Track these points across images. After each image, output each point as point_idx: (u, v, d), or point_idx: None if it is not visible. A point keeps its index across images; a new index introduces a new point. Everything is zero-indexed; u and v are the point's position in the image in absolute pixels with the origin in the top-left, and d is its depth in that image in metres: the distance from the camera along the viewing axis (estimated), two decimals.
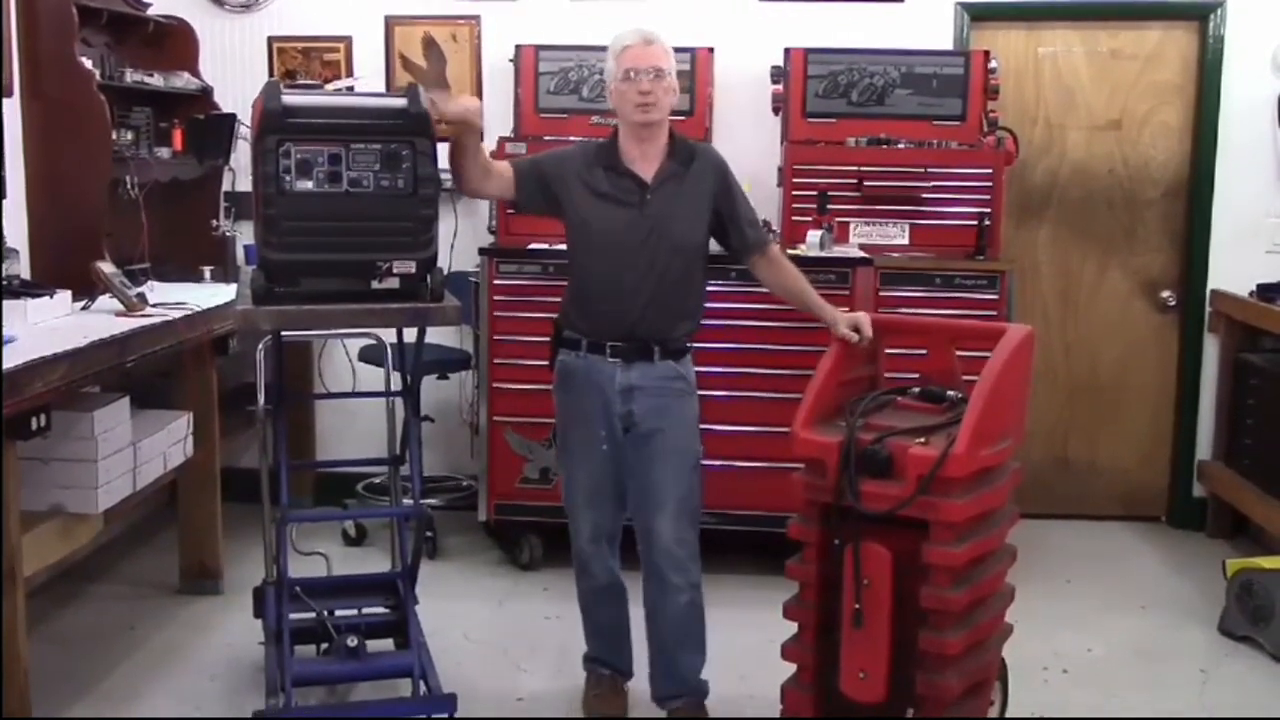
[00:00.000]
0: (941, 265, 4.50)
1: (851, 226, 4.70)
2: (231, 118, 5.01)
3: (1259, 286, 4.90)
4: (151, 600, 4.28)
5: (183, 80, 4.96)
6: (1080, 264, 5.29)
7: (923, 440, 2.85)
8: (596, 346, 3.26)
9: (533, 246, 4.47)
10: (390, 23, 5.23)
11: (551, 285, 4.14)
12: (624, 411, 3.26)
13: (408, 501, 3.59)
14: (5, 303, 3.54)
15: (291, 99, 2.90)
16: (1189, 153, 5.18)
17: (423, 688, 3.23)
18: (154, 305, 3.96)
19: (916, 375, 3.23)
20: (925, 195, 4.67)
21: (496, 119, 5.14)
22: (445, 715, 3.20)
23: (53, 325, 3.66)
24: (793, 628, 3.11)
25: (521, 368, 4.36)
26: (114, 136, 4.37)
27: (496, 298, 4.46)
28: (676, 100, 3.29)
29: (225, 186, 5.13)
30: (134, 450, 3.74)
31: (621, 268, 3.20)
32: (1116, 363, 5.33)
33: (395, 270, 2.95)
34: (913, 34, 5.03)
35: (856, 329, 3.19)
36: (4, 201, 4.02)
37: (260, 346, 3.73)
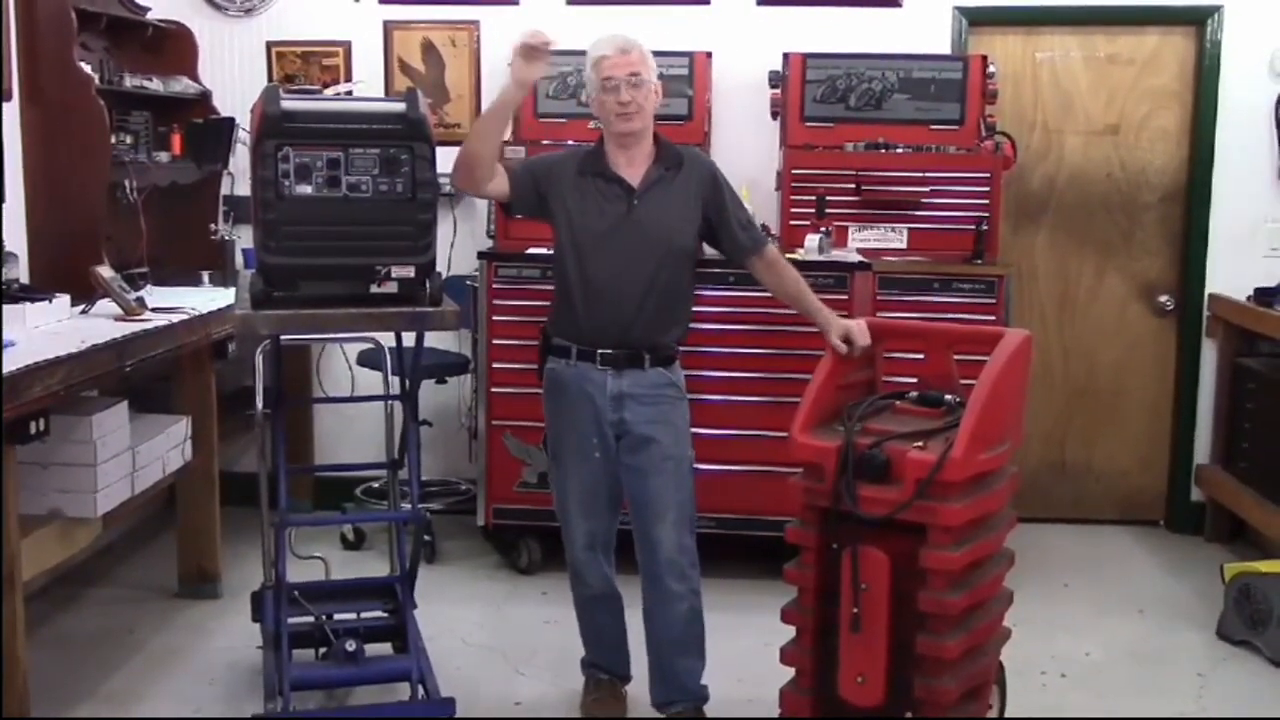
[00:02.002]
0: (939, 269, 4.51)
1: (850, 231, 4.70)
2: (230, 122, 5.01)
3: (1257, 290, 4.91)
4: (150, 604, 4.28)
5: (182, 84, 4.97)
6: (1078, 268, 5.30)
7: (920, 445, 2.85)
8: (586, 354, 3.26)
9: (531, 251, 4.47)
10: (389, 27, 5.23)
11: (550, 289, 4.13)
12: (615, 419, 3.27)
13: (406, 506, 3.60)
14: (6, 307, 3.54)
15: (291, 104, 2.91)
16: (1186, 157, 5.19)
17: (421, 692, 3.23)
18: (153, 309, 3.96)
19: (914, 379, 3.23)
20: (923, 200, 4.67)
21: None
22: (444, 719, 3.20)
23: (51, 329, 3.66)
24: (791, 632, 3.11)
25: (520, 372, 4.35)
26: (113, 140, 4.37)
27: (495, 301, 4.46)
28: (659, 104, 3.29)
29: (224, 190, 5.13)
30: (132, 454, 3.74)
31: (611, 274, 3.21)
32: (1114, 367, 5.34)
33: (394, 274, 2.95)
34: (910, 39, 5.04)
35: (849, 339, 3.18)
36: (3, 205, 4.02)
37: (259, 350, 3.73)
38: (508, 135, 4.92)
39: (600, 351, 3.24)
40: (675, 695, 3.39)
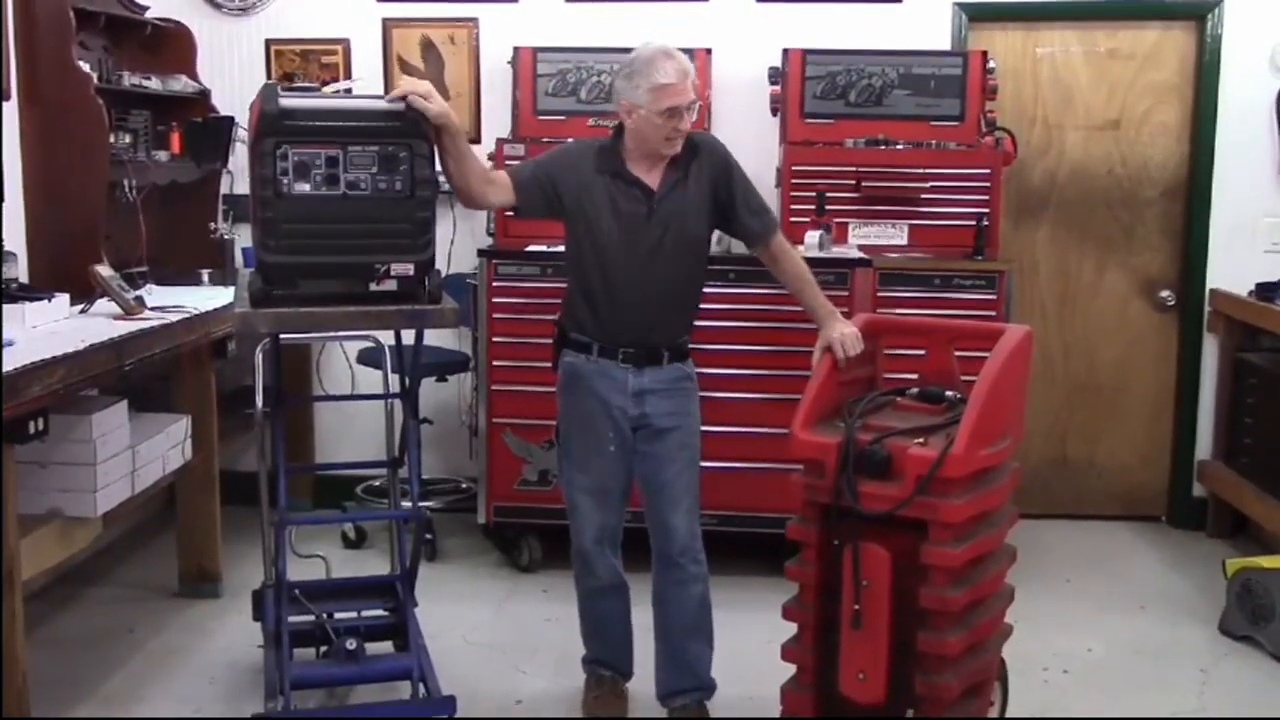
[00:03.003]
0: (940, 265, 4.50)
1: (850, 227, 4.70)
2: (229, 120, 5.00)
3: (1258, 285, 4.90)
4: (151, 603, 4.28)
5: (180, 83, 4.96)
6: (1079, 264, 5.29)
7: (921, 441, 2.85)
8: (608, 351, 3.26)
9: (531, 248, 4.47)
10: (388, 25, 5.23)
11: (551, 287, 4.13)
12: (637, 414, 3.28)
13: (407, 504, 3.59)
14: (5, 307, 3.54)
15: (289, 101, 2.90)
16: (1187, 152, 5.18)
17: (422, 690, 3.23)
18: (152, 308, 3.96)
19: (915, 376, 3.23)
20: (924, 196, 4.66)
21: (495, 121, 5.15)
22: (445, 717, 3.20)
23: (51, 329, 3.65)
24: (792, 629, 3.10)
25: (520, 370, 4.36)
26: (112, 140, 4.37)
27: (495, 299, 4.46)
28: None
29: (223, 189, 5.13)
30: (132, 453, 3.73)
31: (633, 277, 3.21)
32: (1115, 362, 5.33)
33: (393, 272, 2.94)
34: (910, 35, 5.03)
35: (831, 350, 3.16)
36: (2, 205, 4.02)
37: (258, 349, 3.73)
38: (505, 133, 4.94)
39: (622, 350, 3.25)
40: (686, 682, 3.39)
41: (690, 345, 3.38)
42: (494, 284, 4.46)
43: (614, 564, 3.44)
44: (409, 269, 2.95)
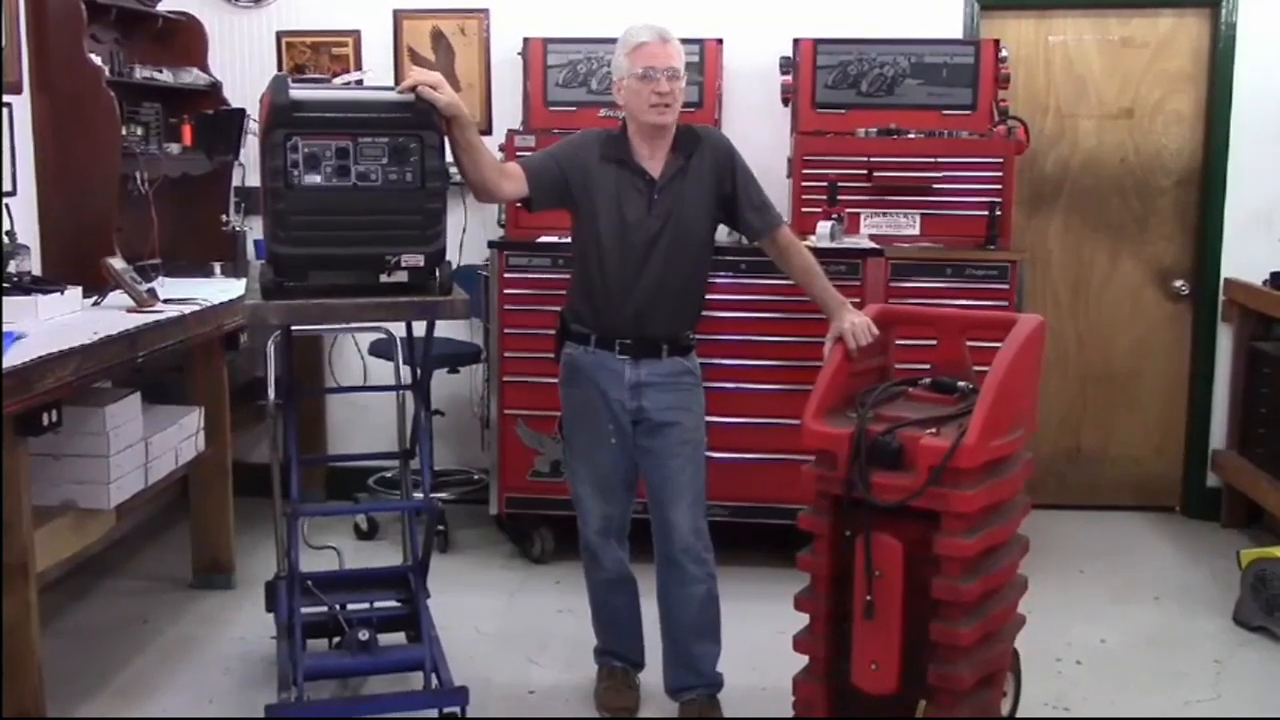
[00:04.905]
0: (952, 255, 4.48)
1: (862, 217, 4.68)
2: (240, 113, 5.00)
3: (1272, 274, 4.88)
4: (164, 595, 4.30)
5: (192, 76, 4.97)
6: (1092, 253, 5.27)
7: (933, 431, 2.84)
8: (605, 342, 3.26)
9: (542, 239, 4.47)
10: (399, 16, 5.22)
11: (561, 278, 4.11)
12: (634, 407, 3.27)
13: (419, 495, 3.60)
14: (17, 299, 3.57)
15: (299, 93, 2.89)
16: (1201, 141, 5.15)
17: (434, 681, 3.24)
18: (164, 301, 3.97)
19: (927, 366, 3.22)
20: (936, 185, 4.64)
21: (505, 112, 5.14)
22: (457, 708, 3.21)
23: (63, 321, 3.66)
24: (804, 619, 3.10)
25: (532, 361, 4.35)
26: (123, 132, 4.38)
27: (506, 291, 4.46)
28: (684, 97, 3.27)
29: (235, 181, 5.12)
30: (145, 445, 3.75)
31: (631, 266, 3.20)
32: (1129, 352, 5.31)
33: (404, 264, 2.94)
34: (922, 23, 5.01)
35: (843, 340, 3.15)
36: (15, 198, 4.03)
37: (270, 341, 3.73)
38: (517, 124, 4.94)
39: (619, 341, 3.24)
40: (691, 680, 3.38)
41: (695, 339, 3.36)
42: (505, 275, 4.46)
43: (620, 557, 3.44)
44: (420, 260, 2.95)
